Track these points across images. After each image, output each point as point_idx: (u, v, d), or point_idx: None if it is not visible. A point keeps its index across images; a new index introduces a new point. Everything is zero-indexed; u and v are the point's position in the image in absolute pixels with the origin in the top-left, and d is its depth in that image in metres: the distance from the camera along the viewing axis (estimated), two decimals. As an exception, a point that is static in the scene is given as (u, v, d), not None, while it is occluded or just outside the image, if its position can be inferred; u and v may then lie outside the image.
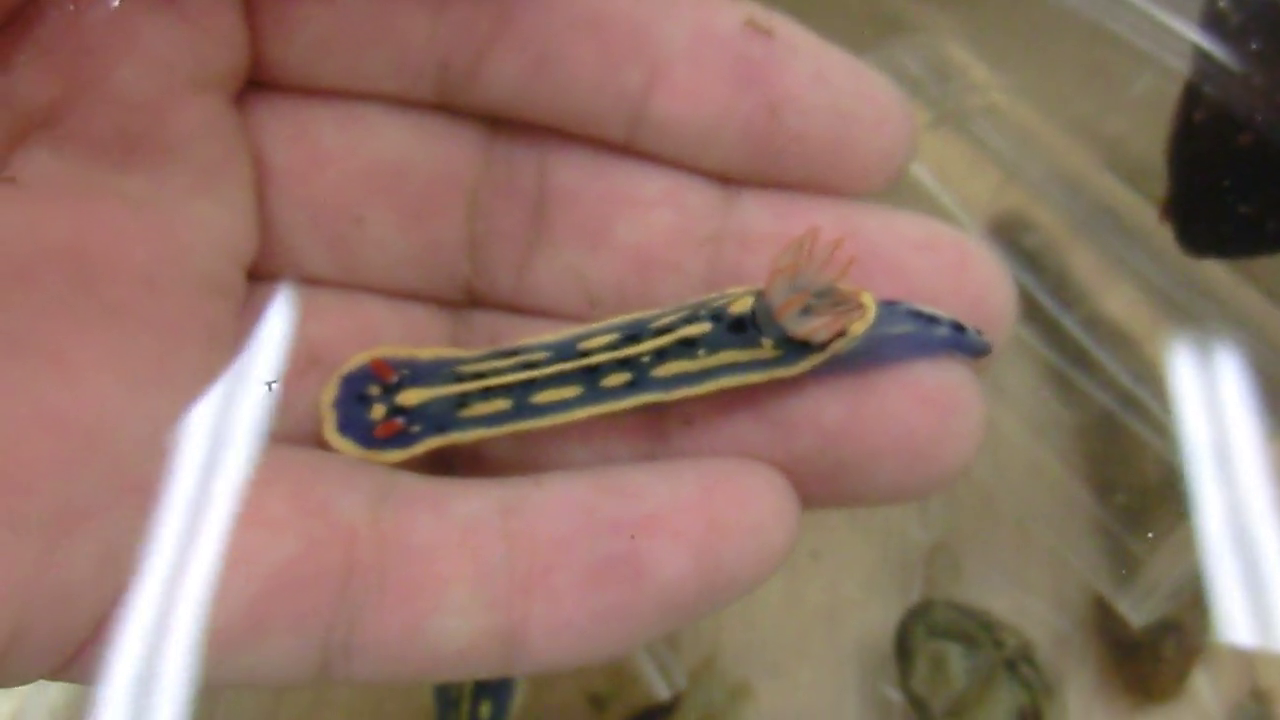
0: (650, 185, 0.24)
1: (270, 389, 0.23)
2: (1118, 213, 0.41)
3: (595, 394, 0.22)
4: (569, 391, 0.22)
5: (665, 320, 0.22)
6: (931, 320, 0.22)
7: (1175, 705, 0.40)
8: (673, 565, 0.21)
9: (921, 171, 0.43)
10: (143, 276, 0.21)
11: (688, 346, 0.22)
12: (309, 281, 0.24)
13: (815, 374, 0.22)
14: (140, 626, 0.20)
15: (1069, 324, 0.41)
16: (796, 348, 0.21)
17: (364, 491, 0.22)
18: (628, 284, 0.24)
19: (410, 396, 0.23)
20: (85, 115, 0.21)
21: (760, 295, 0.21)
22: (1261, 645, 0.33)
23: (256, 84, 0.24)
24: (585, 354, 0.23)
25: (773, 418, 0.22)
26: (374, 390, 0.23)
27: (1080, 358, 0.41)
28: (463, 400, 0.23)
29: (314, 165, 0.24)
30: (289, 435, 0.23)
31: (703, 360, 0.22)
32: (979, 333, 0.22)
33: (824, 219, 0.23)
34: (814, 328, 0.21)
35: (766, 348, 0.21)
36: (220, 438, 0.22)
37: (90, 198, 0.21)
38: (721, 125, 0.23)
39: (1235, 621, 0.33)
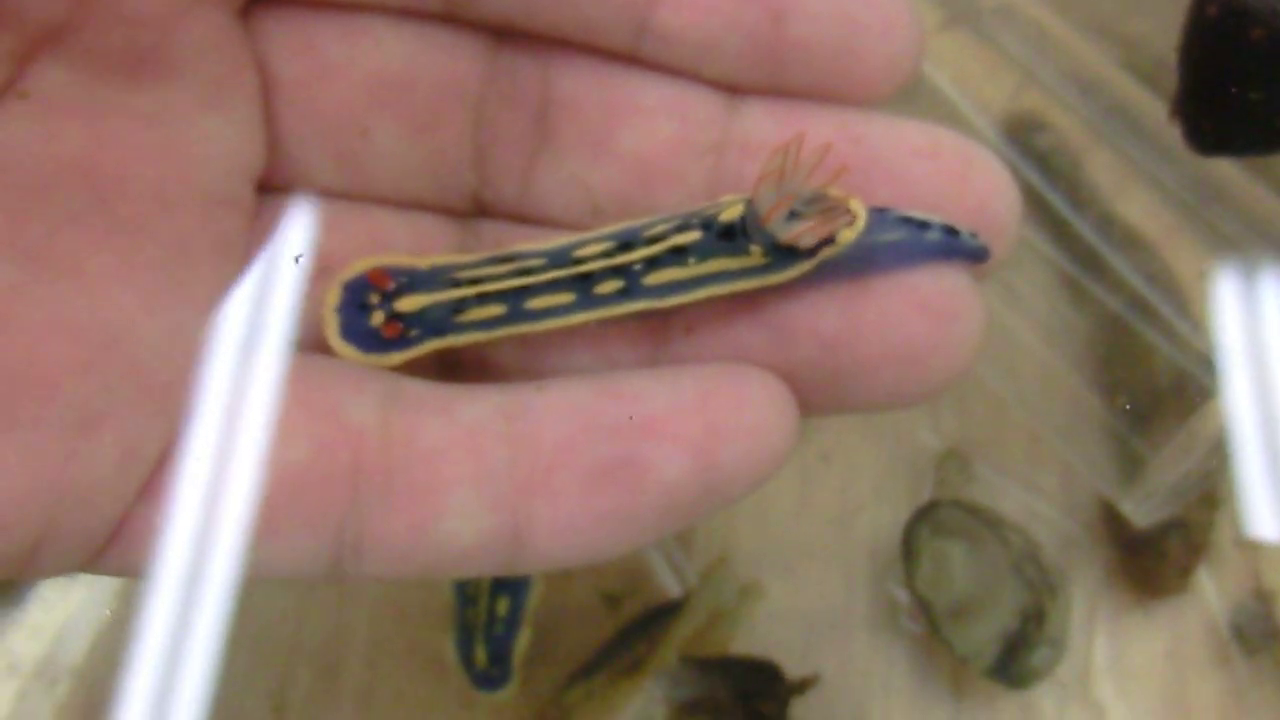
0: (653, 94, 0.24)
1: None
2: (1134, 114, 0.40)
3: (588, 300, 0.23)
4: (562, 298, 0.23)
5: (657, 229, 0.23)
6: (923, 225, 0.22)
7: (1179, 601, 0.40)
8: (672, 467, 0.21)
9: (935, 74, 0.43)
10: (154, 191, 0.22)
11: (678, 254, 0.22)
12: (318, 193, 0.25)
13: (812, 282, 0.22)
14: (163, 523, 0.21)
15: (1082, 226, 0.41)
16: (785, 254, 0.21)
17: (372, 396, 0.22)
18: (630, 193, 0.24)
19: (408, 303, 0.23)
20: (94, 32, 0.21)
21: (749, 202, 0.22)
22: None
23: None
24: (579, 261, 0.23)
25: (772, 325, 0.23)
26: (373, 298, 0.23)
27: (1092, 261, 0.41)
28: (459, 305, 0.23)
29: (320, 77, 0.24)
30: (300, 341, 0.24)
31: (693, 268, 0.22)
32: (974, 236, 0.22)
33: (827, 126, 0.23)
34: (800, 233, 0.21)
35: (755, 255, 0.21)
36: (234, 345, 0.23)
37: (101, 114, 0.22)
38: (725, 34, 0.23)
39: (1259, 516, 0.34)
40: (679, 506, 0.22)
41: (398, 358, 0.23)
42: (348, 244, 0.24)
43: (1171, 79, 0.35)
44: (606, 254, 0.23)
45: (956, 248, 0.22)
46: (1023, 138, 0.42)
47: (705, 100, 0.24)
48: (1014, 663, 0.37)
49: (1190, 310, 0.40)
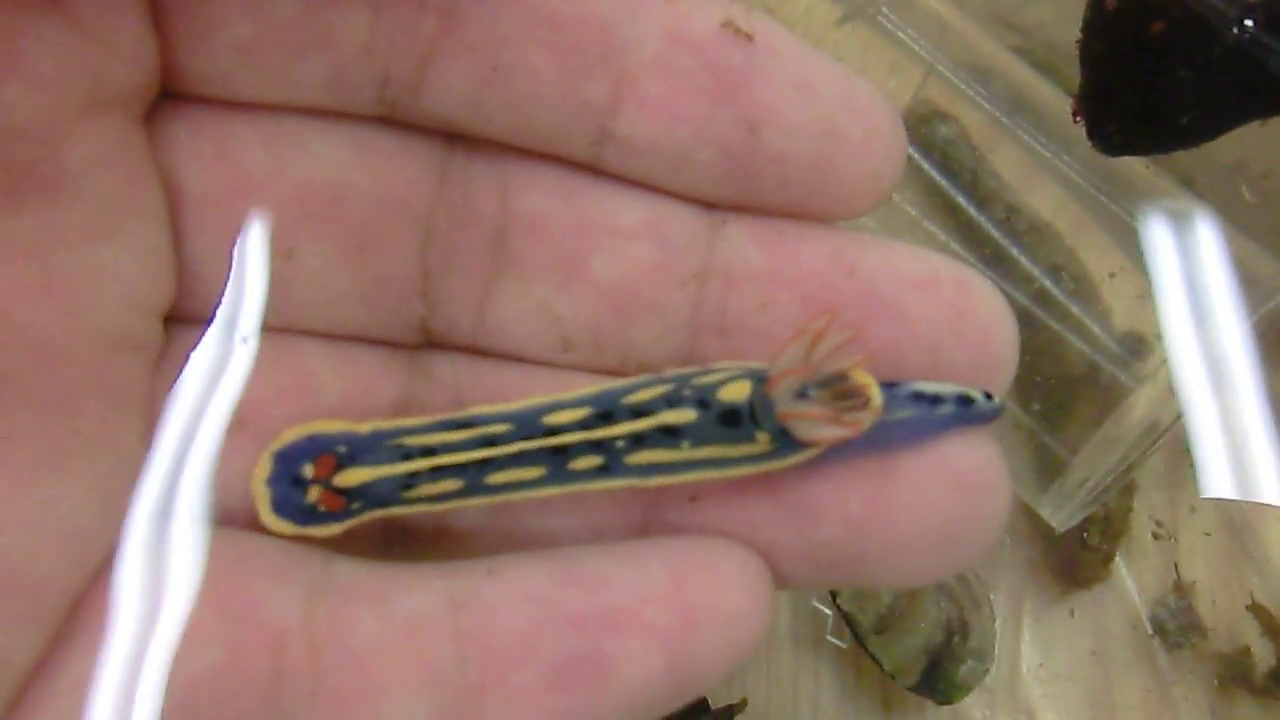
0: (628, 213, 0.22)
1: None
2: (1036, 103, 0.39)
3: (560, 475, 0.21)
4: (531, 472, 0.21)
5: (643, 396, 0.20)
6: (935, 400, 0.20)
7: (1102, 597, 0.40)
8: (641, 663, 0.19)
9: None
10: (30, 340, 0.19)
11: (669, 435, 0.20)
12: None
13: (821, 460, 0.21)
14: None
15: (987, 219, 0.40)
16: (791, 440, 0.20)
17: (297, 586, 0.20)
18: (603, 325, 0.22)
19: (349, 477, 0.21)
20: None
21: (761, 386, 0.20)
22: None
23: (170, 96, 0.21)
24: (552, 431, 0.20)
25: (791, 503, 0.21)
26: (309, 472, 0.21)
27: (1000, 254, 0.40)
28: (410, 480, 0.21)
29: (236, 190, 0.21)
30: (214, 509, 0.21)
31: (686, 451, 0.20)
32: (989, 397, 0.21)
33: (817, 254, 0.21)
34: (822, 432, 0.19)
35: (761, 442, 0.20)
36: (130, 524, 0.20)
37: None
38: (696, 144, 0.21)
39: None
40: (648, 704, 0.20)
41: (336, 528, 0.21)
42: (270, 388, 0.21)
43: (1072, 66, 0.34)
44: (584, 424, 0.20)
45: (971, 417, 0.21)
46: (925, 129, 0.41)
47: (684, 220, 0.22)
48: (940, 677, 0.37)
49: (1100, 301, 0.39)
